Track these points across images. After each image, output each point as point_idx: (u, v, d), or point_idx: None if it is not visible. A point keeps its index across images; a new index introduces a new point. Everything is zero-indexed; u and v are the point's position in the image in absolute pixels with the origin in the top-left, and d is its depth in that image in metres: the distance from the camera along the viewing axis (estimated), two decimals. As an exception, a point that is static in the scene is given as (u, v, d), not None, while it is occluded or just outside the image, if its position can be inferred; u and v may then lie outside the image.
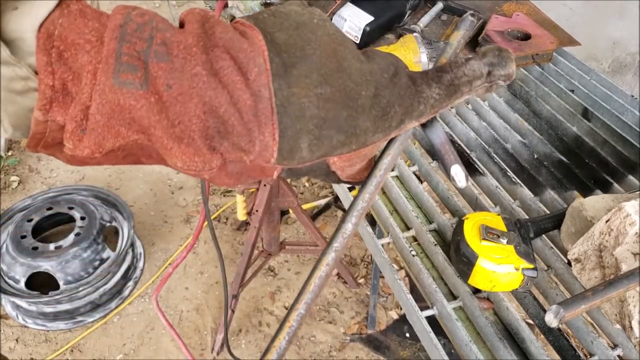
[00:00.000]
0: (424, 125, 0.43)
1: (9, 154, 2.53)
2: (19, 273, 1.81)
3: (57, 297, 1.80)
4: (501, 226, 0.62)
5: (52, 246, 1.85)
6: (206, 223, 1.22)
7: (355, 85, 0.35)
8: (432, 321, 0.63)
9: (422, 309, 0.64)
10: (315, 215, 2.35)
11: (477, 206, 0.76)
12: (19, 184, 2.45)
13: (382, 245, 0.72)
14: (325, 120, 0.34)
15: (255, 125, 0.32)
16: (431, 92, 0.36)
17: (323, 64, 0.34)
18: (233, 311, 1.77)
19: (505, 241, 0.60)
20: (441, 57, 0.44)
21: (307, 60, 0.33)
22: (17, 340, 1.89)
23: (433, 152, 0.85)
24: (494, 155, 0.84)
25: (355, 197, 0.39)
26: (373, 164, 0.40)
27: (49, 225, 2.05)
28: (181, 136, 0.31)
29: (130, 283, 2.06)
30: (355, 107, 0.35)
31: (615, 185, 0.79)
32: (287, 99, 0.33)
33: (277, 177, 0.37)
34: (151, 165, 2.45)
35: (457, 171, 0.42)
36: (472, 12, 0.48)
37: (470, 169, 0.81)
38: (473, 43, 1.02)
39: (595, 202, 0.63)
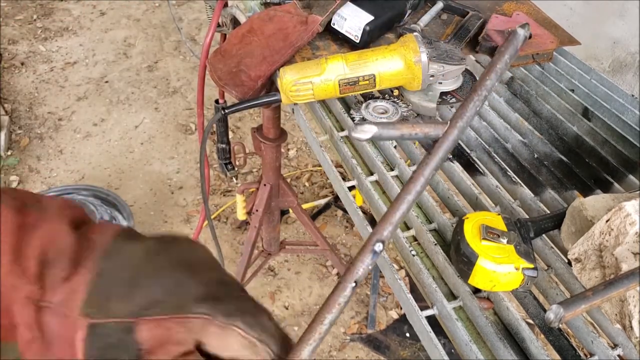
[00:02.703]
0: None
1: (9, 153, 2.53)
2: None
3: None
4: (501, 226, 0.62)
5: (52, 246, 1.85)
6: (206, 223, 1.22)
7: (198, 258, 0.36)
8: (432, 321, 0.63)
9: (422, 308, 0.64)
10: (315, 215, 2.35)
11: (477, 206, 0.76)
12: (18, 183, 2.45)
13: (382, 245, 0.72)
14: (147, 270, 0.34)
15: (78, 264, 0.34)
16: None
17: (167, 245, 0.36)
18: (233, 311, 1.77)
19: (505, 241, 0.60)
20: (483, 72, 0.46)
21: (155, 239, 0.36)
22: (17, 339, 1.89)
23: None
24: (494, 154, 0.84)
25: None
26: None
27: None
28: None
29: (130, 283, 2.05)
30: (188, 272, 0.35)
31: (616, 184, 0.79)
32: (118, 250, 0.35)
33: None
34: (151, 165, 2.47)
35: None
36: (523, 24, 0.48)
37: (471, 168, 0.81)
38: (473, 43, 1.02)
39: (595, 201, 0.63)
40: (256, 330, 0.34)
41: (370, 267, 0.40)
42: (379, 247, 0.40)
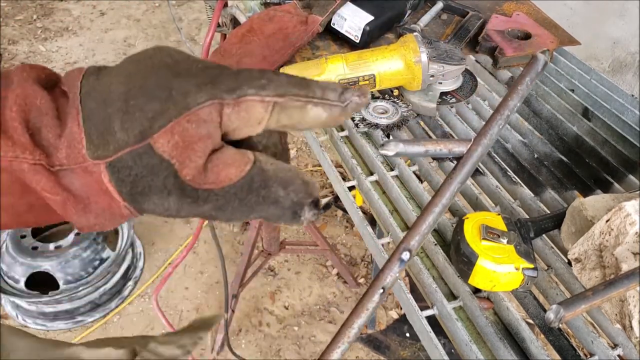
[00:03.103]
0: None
1: (9, 153, 2.53)
2: (19, 273, 1.81)
3: (57, 297, 1.81)
4: (501, 226, 0.62)
5: (51, 246, 1.85)
6: (206, 223, 1.22)
7: (175, 59, 0.33)
8: (432, 321, 0.63)
9: (422, 308, 0.64)
10: (315, 215, 2.35)
11: (477, 206, 0.76)
12: (18, 183, 2.45)
13: (382, 245, 0.72)
14: (131, 90, 0.31)
15: (63, 115, 0.32)
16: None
17: (139, 59, 0.33)
18: (233, 311, 1.77)
19: (505, 241, 0.60)
20: (506, 94, 0.50)
21: (123, 63, 0.33)
22: (17, 340, 1.89)
23: (433, 152, 0.85)
24: (494, 154, 0.84)
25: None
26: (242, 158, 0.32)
27: (48, 225, 2.05)
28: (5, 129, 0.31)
29: (130, 283, 2.06)
30: (170, 73, 0.32)
31: (616, 184, 0.79)
32: (93, 87, 0.32)
33: (127, 206, 0.32)
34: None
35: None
36: (543, 50, 0.52)
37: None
38: (473, 43, 1.02)
39: (595, 201, 0.63)
40: (269, 89, 0.31)
41: (397, 275, 0.43)
42: (406, 255, 0.43)
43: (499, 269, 0.58)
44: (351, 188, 0.82)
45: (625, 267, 0.55)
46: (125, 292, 2.02)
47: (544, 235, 0.69)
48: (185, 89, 0.31)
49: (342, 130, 0.90)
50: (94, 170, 0.31)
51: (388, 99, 0.89)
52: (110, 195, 0.32)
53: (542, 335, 0.63)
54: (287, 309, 2.02)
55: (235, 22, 1.15)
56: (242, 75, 0.32)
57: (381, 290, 0.41)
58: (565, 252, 0.66)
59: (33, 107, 0.32)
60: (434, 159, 0.84)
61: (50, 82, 0.34)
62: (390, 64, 0.81)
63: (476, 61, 1.03)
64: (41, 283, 1.83)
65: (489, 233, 0.60)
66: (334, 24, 0.97)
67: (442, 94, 0.89)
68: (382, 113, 0.86)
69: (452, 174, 0.45)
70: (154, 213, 0.33)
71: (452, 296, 0.65)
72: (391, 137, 0.88)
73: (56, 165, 0.31)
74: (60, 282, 1.82)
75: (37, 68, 0.34)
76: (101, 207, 0.33)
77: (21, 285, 1.81)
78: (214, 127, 0.31)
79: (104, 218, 0.33)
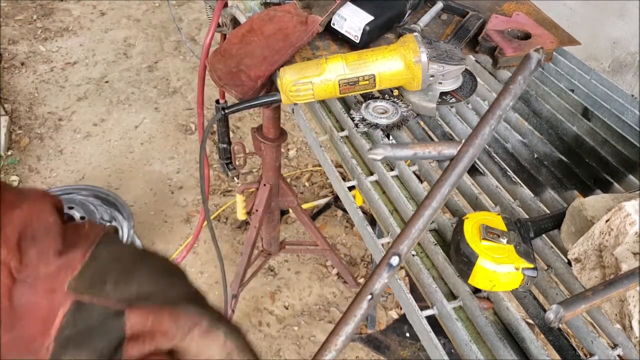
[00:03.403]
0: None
1: (9, 153, 2.53)
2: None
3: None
4: (501, 226, 0.62)
5: (52, 246, 1.85)
6: (206, 223, 1.22)
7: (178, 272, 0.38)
8: (432, 321, 0.63)
9: (422, 308, 0.64)
10: (315, 215, 2.35)
11: (477, 206, 0.76)
12: (19, 183, 2.45)
13: (382, 245, 0.72)
14: (143, 271, 0.35)
15: (73, 245, 0.35)
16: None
17: (152, 252, 0.38)
18: (233, 311, 1.77)
19: (505, 241, 0.60)
20: (499, 93, 0.47)
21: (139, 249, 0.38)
22: (17, 340, 1.89)
23: (433, 152, 0.85)
24: (494, 155, 0.84)
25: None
26: None
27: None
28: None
29: (130, 283, 2.05)
30: (176, 279, 0.37)
31: (616, 184, 0.79)
32: (111, 243, 0.36)
33: (49, 349, 0.33)
34: (151, 165, 2.47)
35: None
36: (537, 47, 0.51)
37: (470, 168, 0.81)
38: (473, 43, 1.02)
39: (595, 201, 0.63)
40: (234, 341, 0.35)
41: (386, 281, 0.41)
42: (395, 260, 0.41)
43: (498, 269, 0.58)
44: (351, 188, 0.82)
45: (625, 267, 0.55)
46: (125, 292, 2.02)
47: (543, 235, 0.69)
48: (181, 294, 0.36)
49: (342, 130, 0.90)
50: (57, 298, 0.33)
51: (388, 99, 0.89)
52: (47, 327, 0.33)
53: (542, 335, 0.63)
54: (287, 308, 2.02)
55: (235, 22, 1.15)
56: (220, 315, 0.36)
57: (369, 297, 0.40)
58: (565, 252, 0.66)
59: (39, 224, 0.34)
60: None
61: (61, 211, 0.37)
62: (390, 64, 0.81)
63: (476, 61, 1.03)
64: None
65: (488, 233, 0.60)
66: (333, 24, 0.97)
67: (442, 94, 0.89)
68: (382, 113, 0.86)
69: (443, 177, 0.44)
70: None
71: (452, 296, 0.65)
72: (382, 141, 0.88)
73: (22, 274, 0.33)
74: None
75: (57, 200, 0.37)
76: (23, 332, 0.33)
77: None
78: (182, 334, 0.34)
79: (15, 343, 0.33)
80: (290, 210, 2.15)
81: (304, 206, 2.32)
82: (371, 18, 0.95)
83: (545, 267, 0.68)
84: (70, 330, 0.33)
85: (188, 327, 0.34)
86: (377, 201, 0.76)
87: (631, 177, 0.79)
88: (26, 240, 0.34)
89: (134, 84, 3.03)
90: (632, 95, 0.94)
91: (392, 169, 0.82)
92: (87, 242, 0.35)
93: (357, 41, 0.96)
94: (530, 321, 0.64)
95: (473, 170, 0.81)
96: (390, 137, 0.91)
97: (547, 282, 0.65)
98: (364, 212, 0.92)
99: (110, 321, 0.33)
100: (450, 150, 0.47)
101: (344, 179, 0.83)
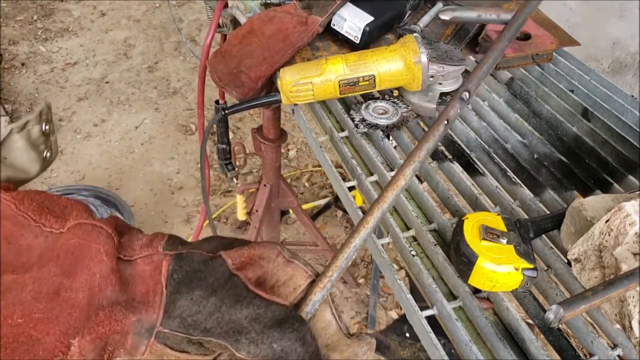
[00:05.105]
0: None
1: (9, 154, 2.53)
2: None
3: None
4: (501, 226, 0.62)
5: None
6: (207, 223, 1.22)
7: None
8: (432, 321, 0.63)
9: (422, 309, 0.64)
10: (315, 215, 2.35)
11: (477, 206, 0.76)
12: (19, 184, 2.45)
13: (382, 245, 0.72)
14: (214, 240, 0.41)
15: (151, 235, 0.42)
16: None
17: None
18: (233, 311, 1.77)
19: (505, 241, 0.60)
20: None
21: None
22: (17, 340, 1.89)
23: (433, 152, 0.85)
24: (494, 155, 0.84)
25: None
26: None
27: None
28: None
29: (131, 283, 2.06)
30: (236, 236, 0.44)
31: (615, 185, 0.79)
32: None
33: (163, 295, 0.38)
34: (151, 166, 2.47)
35: None
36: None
37: (470, 169, 0.81)
38: (473, 43, 1.02)
39: (595, 202, 0.63)
40: (310, 269, 0.41)
41: (459, 111, 0.54)
42: (465, 95, 0.52)
43: (498, 269, 0.59)
44: (351, 188, 0.82)
45: (624, 268, 0.55)
46: (126, 293, 2.02)
47: (543, 235, 0.69)
48: (246, 242, 0.41)
49: (343, 130, 0.90)
50: (158, 258, 0.38)
51: (388, 100, 0.89)
52: (156, 279, 0.37)
53: (542, 336, 0.63)
54: (287, 309, 2.02)
55: (235, 23, 1.15)
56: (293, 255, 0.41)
57: (445, 122, 0.50)
58: (564, 253, 0.66)
59: (121, 223, 0.42)
60: (433, 158, 0.84)
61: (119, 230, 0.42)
62: (390, 64, 0.81)
63: (476, 62, 1.03)
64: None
65: (488, 233, 0.60)
66: (333, 25, 0.97)
67: (442, 94, 0.89)
68: (382, 113, 0.86)
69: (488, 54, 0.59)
70: (180, 317, 0.36)
71: (452, 296, 0.65)
72: (382, 142, 0.88)
73: (123, 251, 0.39)
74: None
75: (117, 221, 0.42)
76: (136, 293, 0.37)
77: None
78: (272, 259, 0.39)
79: (130, 302, 0.37)
80: (291, 211, 2.15)
81: (304, 206, 2.32)
82: (371, 19, 0.95)
83: (545, 268, 0.68)
84: (178, 275, 0.37)
85: (275, 255, 0.39)
86: (377, 201, 0.76)
87: (631, 177, 0.79)
88: (118, 235, 0.39)
89: (134, 85, 3.04)
90: (632, 96, 0.94)
91: (392, 169, 0.82)
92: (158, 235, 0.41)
93: (357, 42, 0.96)
94: (530, 321, 0.64)
95: (473, 171, 0.81)
96: (390, 138, 0.91)
97: (547, 282, 0.65)
98: (364, 213, 0.92)
99: (211, 262, 0.38)
100: (507, 15, 0.61)
101: (344, 179, 0.83)
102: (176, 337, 0.35)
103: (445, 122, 0.47)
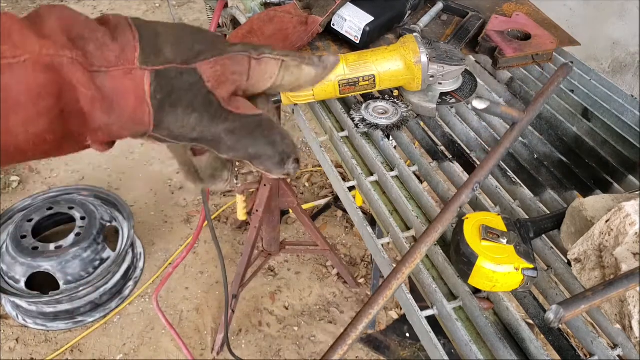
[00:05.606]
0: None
1: (9, 154, 2.53)
2: (19, 273, 1.81)
3: (57, 297, 1.81)
4: (501, 226, 0.62)
5: (52, 246, 1.85)
6: (206, 223, 1.22)
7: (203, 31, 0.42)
8: (432, 321, 0.63)
9: (422, 309, 0.64)
10: (315, 215, 2.35)
11: (477, 206, 0.76)
12: (19, 184, 2.46)
13: (382, 245, 0.72)
14: (178, 33, 0.40)
15: (115, 31, 0.37)
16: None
17: (176, 22, 0.42)
18: (233, 311, 1.77)
19: (505, 241, 0.60)
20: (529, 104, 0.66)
21: (162, 22, 0.41)
22: (17, 340, 1.89)
23: (433, 152, 0.85)
24: (494, 155, 0.84)
25: None
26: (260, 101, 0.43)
27: (49, 225, 2.05)
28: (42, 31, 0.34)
29: (131, 283, 2.06)
30: (207, 32, 0.42)
31: (615, 185, 0.79)
32: (144, 25, 0.39)
33: (151, 114, 0.38)
34: (151, 166, 2.48)
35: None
36: (568, 62, 0.64)
37: (471, 169, 0.81)
38: (473, 43, 1.02)
39: (595, 202, 0.63)
40: (279, 52, 0.42)
41: (468, 200, 0.64)
42: (477, 186, 0.64)
43: (498, 269, 0.59)
44: (351, 188, 0.82)
45: (625, 268, 0.55)
46: (126, 292, 2.03)
47: (543, 235, 0.69)
48: (225, 43, 0.41)
49: (342, 130, 0.90)
50: (138, 74, 0.37)
51: (388, 100, 0.89)
52: (141, 99, 0.37)
53: (542, 336, 0.63)
54: (287, 309, 2.02)
55: (235, 23, 1.15)
56: (255, 44, 0.42)
57: (458, 209, 0.61)
58: (565, 253, 0.66)
59: (76, 22, 0.36)
60: (433, 158, 0.84)
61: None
62: (390, 64, 0.81)
63: (476, 62, 1.03)
64: (41, 283, 1.83)
65: (488, 233, 0.60)
66: (334, 25, 0.97)
67: (442, 94, 0.89)
68: (382, 113, 0.86)
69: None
70: (168, 129, 0.39)
71: (452, 296, 0.65)
72: (382, 142, 0.88)
73: (95, 66, 0.36)
74: (61, 282, 1.82)
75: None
76: (125, 110, 0.37)
77: (21, 285, 1.81)
78: (244, 71, 0.40)
79: (122, 120, 0.37)
80: (291, 211, 2.15)
81: (304, 206, 2.32)
82: (371, 19, 0.95)
83: (545, 268, 0.68)
84: (160, 94, 0.37)
85: (246, 62, 0.41)
86: (377, 201, 0.76)
87: (631, 177, 0.79)
88: (77, 39, 0.35)
89: (134, 85, 3.03)
90: (632, 96, 0.94)
91: (392, 169, 0.82)
92: (123, 23, 0.38)
93: (357, 42, 0.96)
94: (530, 321, 0.64)
95: (473, 171, 0.81)
96: (390, 138, 0.91)
97: (547, 282, 0.65)
98: (364, 213, 0.92)
99: (187, 77, 0.38)
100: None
101: (344, 179, 0.83)
102: (166, 140, 0.40)
103: (459, 208, 0.61)
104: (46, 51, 0.33)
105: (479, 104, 0.66)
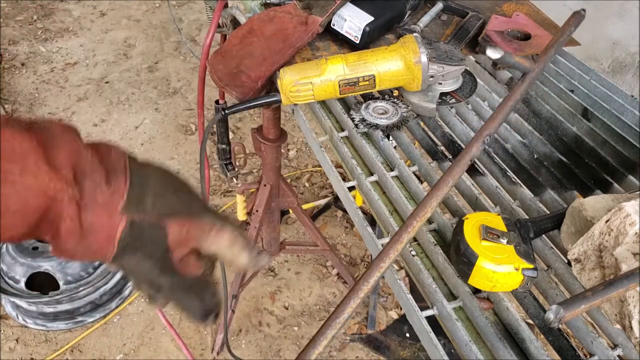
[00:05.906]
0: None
1: (9, 154, 2.53)
2: (19, 273, 1.81)
3: (57, 297, 1.80)
4: (501, 226, 0.62)
5: (52, 246, 1.85)
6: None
7: (188, 184, 0.50)
8: (432, 321, 0.63)
9: (422, 309, 0.64)
10: (315, 215, 2.35)
11: (477, 206, 0.76)
12: (19, 184, 2.45)
13: (382, 246, 0.72)
14: (163, 186, 0.47)
15: (111, 174, 0.43)
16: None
17: (168, 171, 0.49)
18: (233, 311, 1.77)
19: (505, 241, 0.60)
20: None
21: (156, 166, 0.49)
22: (17, 340, 1.89)
23: (433, 152, 0.85)
24: (494, 155, 0.84)
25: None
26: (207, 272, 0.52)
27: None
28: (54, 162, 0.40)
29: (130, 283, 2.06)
30: (189, 192, 0.49)
31: (615, 185, 0.79)
32: (137, 170, 0.45)
33: (113, 252, 0.44)
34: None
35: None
36: (581, 10, 0.68)
37: (470, 169, 0.81)
38: (473, 43, 1.02)
39: (595, 202, 0.63)
40: (238, 233, 0.50)
41: (478, 153, 0.66)
42: (487, 139, 0.66)
43: (498, 269, 0.59)
44: (351, 188, 0.82)
45: (625, 268, 0.55)
46: (126, 292, 2.02)
47: (543, 235, 0.69)
48: (198, 207, 0.49)
49: (342, 130, 0.90)
50: (116, 218, 0.43)
51: (388, 100, 0.89)
52: (111, 238, 0.43)
53: (542, 336, 0.63)
54: (287, 309, 2.02)
55: (235, 23, 1.15)
56: (222, 214, 0.51)
57: (469, 161, 0.63)
58: (565, 253, 0.66)
59: (82, 158, 0.42)
60: (433, 158, 0.84)
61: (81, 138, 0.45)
62: (390, 64, 0.81)
63: (476, 62, 1.03)
64: (41, 283, 1.83)
65: (488, 233, 0.60)
66: (333, 25, 0.97)
67: (442, 94, 0.89)
68: (382, 113, 0.86)
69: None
70: (122, 266, 0.46)
71: (452, 296, 0.65)
72: (382, 142, 0.88)
73: (86, 203, 0.42)
74: (61, 283, 1.82)
75: (76, 130, 0.45)
76: (94, 244, 0.43)
77: (21, 285, 1.81)
78: (205, 237, 0.48)
79: (88, 250, 0.44)
80: (291, 211, 2.15)
81: (304, 206, 2.32)
82: (371, 19, 0.95)
83: (545, 268, 0.68)
84: (126, 241, 0.44)
85: (208, 230, 0.48)
86: (377, 201, 0.76)
87: (631, 177, 0.79)
88: (79, 176, 0.41)
89: (134, 85, 3.03)
90: (632, 96, 0.94)
91: (392, 169, 0.82)
92: (121, 168, 0.44)
93: (357, 42, 0.96)
94: (530, 321, 0.64)
95: (473, 171, 0.81)
96: (390, 138, 0.91)
97: (547, 282, 0.65)
98: (364, 213, 0.92)
99: (155, 232, 0.45)
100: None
101: (344, 179, 0.83)
102: (117, 269, 0.47)
103: (469, 161, 0.62)
104: (53, 185, 0.39)
105: (493, 53, 0.66)
